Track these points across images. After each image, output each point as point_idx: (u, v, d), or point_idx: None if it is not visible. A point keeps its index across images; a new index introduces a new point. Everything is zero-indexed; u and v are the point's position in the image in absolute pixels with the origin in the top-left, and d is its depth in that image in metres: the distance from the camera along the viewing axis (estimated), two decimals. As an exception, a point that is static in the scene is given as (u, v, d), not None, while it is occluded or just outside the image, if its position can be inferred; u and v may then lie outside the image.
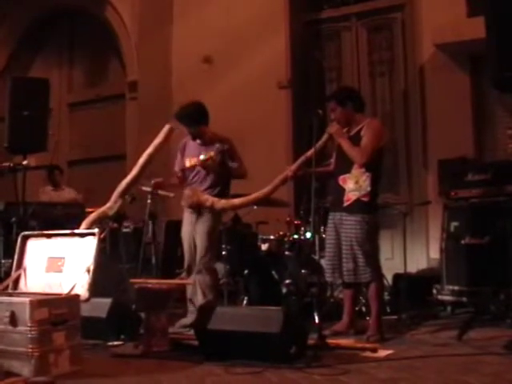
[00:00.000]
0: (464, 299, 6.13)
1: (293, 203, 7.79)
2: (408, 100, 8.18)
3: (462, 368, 4.04)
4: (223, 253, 6.33)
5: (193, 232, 5.72)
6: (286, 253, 6.52)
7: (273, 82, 8.59)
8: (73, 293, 4.14)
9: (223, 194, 5.72)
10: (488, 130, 7.72)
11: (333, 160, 5.50)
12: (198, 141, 5.81)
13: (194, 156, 5.79)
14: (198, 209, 5.61)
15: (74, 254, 4.33)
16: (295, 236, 6.61)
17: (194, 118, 5.76)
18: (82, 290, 4.16)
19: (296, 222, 6.76)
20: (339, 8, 8.82)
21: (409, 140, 8.12)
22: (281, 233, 6.81)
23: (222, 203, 5.50)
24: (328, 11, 8.89)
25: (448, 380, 3.77)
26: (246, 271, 6.39)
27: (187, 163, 5.87)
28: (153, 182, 5.86)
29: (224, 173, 5.74)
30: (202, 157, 5.63)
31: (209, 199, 5.43)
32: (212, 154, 5.60)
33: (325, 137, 5.27)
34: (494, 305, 5.73)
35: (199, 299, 5.57)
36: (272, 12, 8.73)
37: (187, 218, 5.81)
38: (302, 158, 5.33)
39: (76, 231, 4.58)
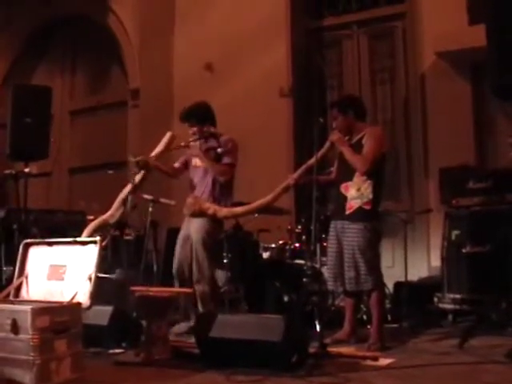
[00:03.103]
0: (465, 307, 6.12)
1: (294, 211, 7.80)
2: (409, 108, 8.19)
3: (463, 377, 4.05)
4: (224, 261, 6.34)
5: (189, 238, 5.72)
6: (288, 261, 6.53)
7: (274, 89, 8.60)
8: (74, 301, 4.14)
9: (219, 199, 5.71)
10: (489, 138, 7.71)
11: (334, 168, 5.52)
12: (202, 142, 5.79)
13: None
14: (199, 217, 5.60)
15: (76, 262, 4.33)
16: (296, 244, 6.62)
17: (200, 115, 5.77)
18: (83, 297, 4.16)
19: (297, 230, 6.76)
20: (340, 16, 8.84)
21: (410, 148, 8.12)
22: (282, 241, 6.81)
23: (224, 211, 5.50)
24: (329, 19, 8.92)
25: (449, 389, 3.78)
26: (247, 279, 6.40)
27: (193, 163, 5.88)
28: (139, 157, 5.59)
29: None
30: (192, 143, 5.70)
31: (211, 207, 5.42)
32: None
33: (327, 145, 5.29)
34: (496, 313, 5.73)
35: (199, 308, 5.58)
36: (273, 20, 8.74)
37: (186, 222, 5.81)
38: (304, 167, 5.34)
39: (78, 239, 4.58)
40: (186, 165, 5.97)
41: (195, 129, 5.78)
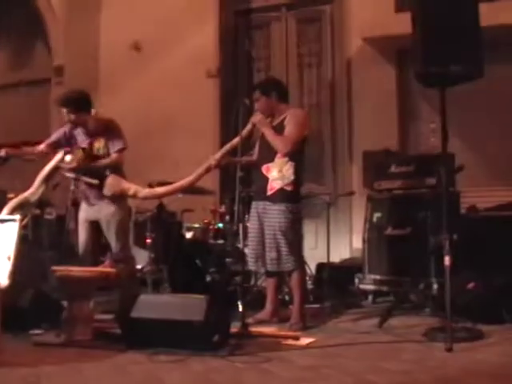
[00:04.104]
0: (385, 288, 6.25)
1: (218, 192, 7.81)
2: (335, 92, 8.25)
3: (382, 355, 4.14)
4: (148, 241, 6.31)
5: (94, 222, 5.59)
6: (211, 241, 6.53)
7: (201, 70, 8.56)
8: (-8, 280, 4.05)
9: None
10: (412, 123, 7.86)
11: (256, 150, 5.53)
12: (82, 129, 5.62)
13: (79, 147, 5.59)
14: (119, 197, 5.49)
15: (-6, 241, 4.24)
16: (220, 225, 6.63)
17: (75, 104, 5.55)
18: (2, 277, 4.08)
19: (221, 211, 6.76)
20: (269, -2, 8.85)
21: (335, 131, 8.21)
22: (205, 221, 6.81)
23: (145, 192, 5.44)
24: (258, 1, 8.89)
25: (368, 367, 3.85)
26: (170, 259, 6.38)
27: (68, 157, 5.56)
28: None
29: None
30: (67, 158, 5.49)
31: (131, 187, 5.33)
32: (79, 155, 5.47)
33: (248, 126, 5.29)
34: (414, 294, 5.88)
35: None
36: (202, 0, 8.69)
37: (85, 207, 5.64)
38: (227, 147, 5.34)
39: (-4, 217, 4.48)
40: (58, 145, 5.71)
41: (73, 116, 5.61)
